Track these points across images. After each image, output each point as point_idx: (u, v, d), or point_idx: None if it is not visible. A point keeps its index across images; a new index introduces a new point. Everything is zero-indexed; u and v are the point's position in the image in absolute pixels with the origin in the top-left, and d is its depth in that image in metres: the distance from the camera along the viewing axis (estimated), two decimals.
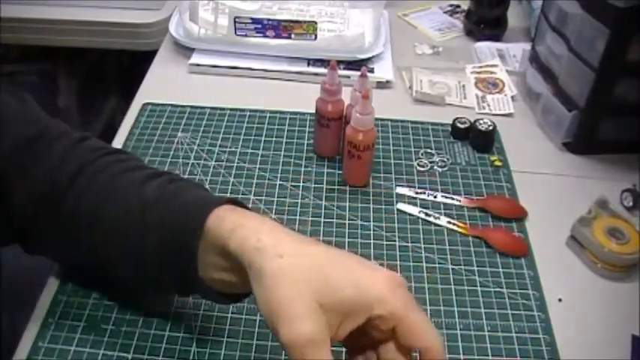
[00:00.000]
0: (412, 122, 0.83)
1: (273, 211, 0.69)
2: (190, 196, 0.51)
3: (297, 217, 0.68)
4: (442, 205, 0.71)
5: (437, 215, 0.69)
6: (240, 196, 0.70)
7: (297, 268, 0.42)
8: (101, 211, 0.52)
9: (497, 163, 0.76)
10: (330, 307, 0.41)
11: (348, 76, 0.87)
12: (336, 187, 0.72)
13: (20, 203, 0.53)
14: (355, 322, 0.42)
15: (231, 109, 0.83)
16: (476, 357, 0.56)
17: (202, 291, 0.50)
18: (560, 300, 0.61)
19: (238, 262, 0.44)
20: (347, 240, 0.66)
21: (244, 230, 0.44)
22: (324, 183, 0.73)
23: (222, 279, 0.48)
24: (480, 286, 0.62)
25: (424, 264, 0.64)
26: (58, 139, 0.55)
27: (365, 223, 0.68)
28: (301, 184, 0.72)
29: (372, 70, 0.90)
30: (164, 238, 0.49)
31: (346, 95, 0.72)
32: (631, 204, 0.71)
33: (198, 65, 0.91)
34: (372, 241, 0.66)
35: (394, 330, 0.42)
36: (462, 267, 0.64)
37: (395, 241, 0.66)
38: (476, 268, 0.64)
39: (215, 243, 0.46)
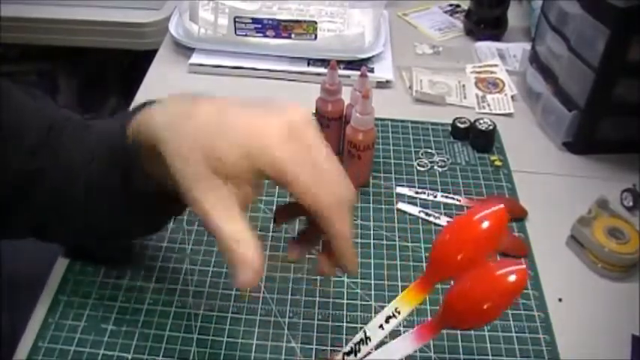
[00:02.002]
0: (412, 122, 0.83)
1: (274, 212, 0.68)
2: (116, 119, 0.53)
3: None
4: (442, 205, 0.71)
5: (437, 215, 0.69)
6: None
7: (185, 139, 0.41)
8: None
9: (497, 163, 0.76)
10: (223, 176, 0.40)
11: (348, 76, 0.87)
12: None
13: (43, 200, 0.54)
14: (247, 183, 0.41)
15: None
16: (476, 357, 0.56)
17: (174, 202, 0.47)
18: (560, 300, 0.61)
19: (150, 145, 0.44)
20: None
21: (143, 114, 0.45)
22: None
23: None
24: None
25: (424, 264, 0.64)
26: (67, 126, 0.56)
27: (365, 223, 0.68)
28: None
29: (372, 70, 0.90)
30: (102, 158, 0.50)
31: (346, 95, 0.72)
32: (631, 204, 0.71)
33: (198, 65, 0.91)
34: (372, 241, 0.66)
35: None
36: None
37: (395, 241, 0.66)
38: None
39: (143, 144, 0.45)
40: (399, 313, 0.41)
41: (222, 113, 0.42)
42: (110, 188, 0.51)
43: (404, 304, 0.41)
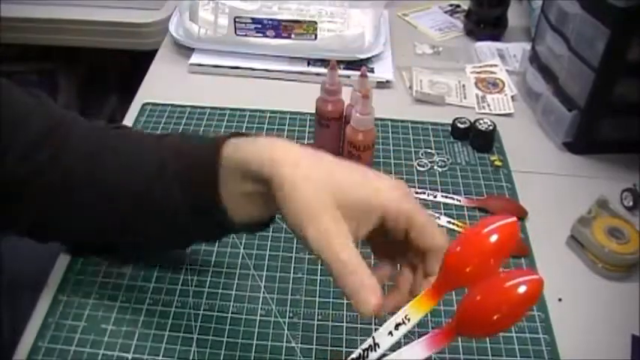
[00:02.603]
0: (412, 122, 0.83)
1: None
2: (199, 139, 0.55)
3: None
4: (442, 205, 0.71)
5: (437, 215, 0.69)
6: None
7: (312, 175, 0.45)
8: (121, 173, 0.53)
9: (497, 163, 0.76)
10: (346, 209, 0.44)
11: (348, 76, 0.87)
12: None
13: (40, 198, 0.54)
14: (370, 222, 0.45)
15: (231, 109, 0.83)
16: (476, 357, 0.56)
17: (229, 224, 0.51)
18: (560, 300, 0.61)
19: (259, 180, 0.46)
20: None
21: (259, 148, 0.47)
22: None
23: (245, 204, 0.49)
24: None
25: None
26: (75, 126, 0.57)
27: None
28: None
29: (372, 70, 0.90)
30: (186, 184, 0.51)
31: (346, 95, 0.72)
32: (631, 204, 0.71)
33: (198, 65, 0.91)
34: None
35: (407, 234, 0.45)
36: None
37: None
38: None
39: (235, 167, 0.48)
40: (408, 320, 0.41)
41: (342, 161, 0.48)
42: (174, 206, 0.52)
43: (414, 311, 0.41)
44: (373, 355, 0.42)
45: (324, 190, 0.44)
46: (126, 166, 0.54)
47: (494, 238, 0.39)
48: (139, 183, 0.53)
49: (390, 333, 0.41)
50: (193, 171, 0.51)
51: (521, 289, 0.36)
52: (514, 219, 0.39)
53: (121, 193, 0.53)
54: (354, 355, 0.42)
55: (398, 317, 0.41)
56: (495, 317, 0.37)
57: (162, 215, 0.53)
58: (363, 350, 0.42)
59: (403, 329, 0.41)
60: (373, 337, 0.42)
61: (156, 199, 0.52)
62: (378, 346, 0.42)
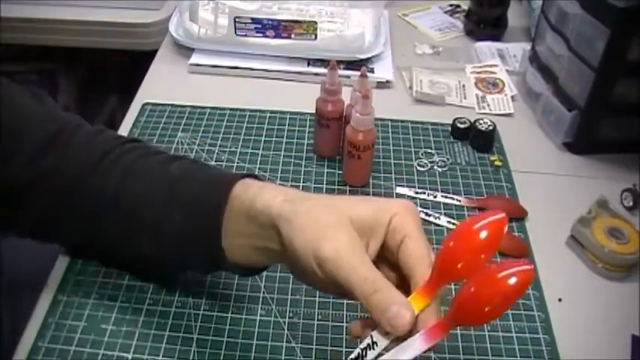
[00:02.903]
0: (412, 122, 0.83)
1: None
2: (215, 172, 0.55)
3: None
4: (442, 205, 0.71)
5: (437, 215, 0.69)
6: None
7: (324, 205, 0.45)
8: (126, 188, 0.53)
9: (498, 163, 0.76)
10: (357, 225, 0.43)
11: (348, 76, 0.87)
12: (336, 187, 0.72)
13: (42, 202, 0.55)
14: (379, 236, 0.44)
15: (231, 109, 0.83)
16: (476, 357, 0.56)
17: (224, 263, 0.51)
18: (560, 300, 0.61)
19: (263, 222, 0.46)
20: None
21: (269, 191, 0.47)
22: (324, 183, 0.73)
23: (244, 246, 0.49)
24: None
25: None
26: (77, 131, 0.57)
27: None
28: (301, 184, 0.72)
29: (372, 70, 0.90)
30: (189, 211, 0.51)
31: (346, 95, 0.72)
32: (631, 204, 0.71)
33: (198, 65, 0.91)
34: None
35: (397, 254, 0.43)
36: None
37: None
38: None
39: (241, 207, 0.48)
40: None
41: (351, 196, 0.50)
42: (173, 230, 0.52)
43: None
44: (372, 353, 0.42)
45: (336, 214, 0.44)
46: (131, 182, 0.54)
47: (484, 234, 0.40)
48: (143, 200, 0.53)
49: (387, 332, 0.41)
50: (200, 200, 0.51)
51: (512, 280, 0.38)
52: (503, 215, 0.41)
53: (121, 204, 0.53)
54: (353, 355, 0.42)
55: None
56: (488, 309, 0.39)
57: (161, 235, 0.53)
58: (362, 349, 0.42)
59: None
60: (371, 336, 0.42)
61: (159, 219, 0.52)
62: (376, 345, 0.42)
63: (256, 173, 0.57)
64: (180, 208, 0.52)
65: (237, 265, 0.50)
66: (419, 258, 0.42)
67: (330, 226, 0.43)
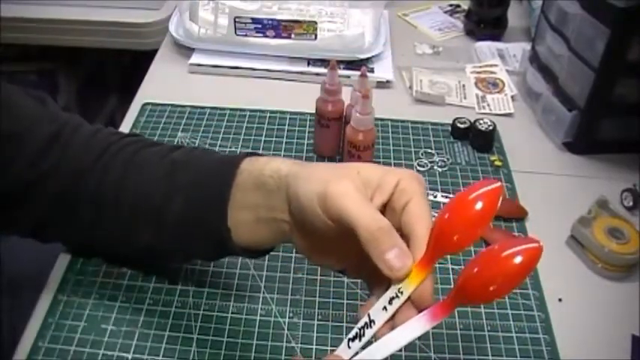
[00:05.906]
0: (412, 122, 0.83)
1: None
2: (219, 154, 0.55)
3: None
4: (442, 205, 0.70)
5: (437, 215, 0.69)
6: None
7: (334, 165, 0.46)
8: (127, 180, 0.54)
9: (498, 163, 0.76)
10: (364, 180, 0.44)
11: (348, 76, 0.87)
12: None
13: (43, 202, 0.55)
14: (385, 193, 0.44)
15: (231, 109, 0.83)
16: (476, 357, 0.56)
17: (229, 244, 0.50)
18: (560, 300, 0.61)
19: (271, 187, 0.47)
20: None
21: (278, 160, 0.49)
22: None
23: (250, 222, 0.49)
24: None
25: None
26: (77, 131, 0.57)
27: None
28: None
29: (372, 70, 0.90)
30: (194, 193, 0.51)
31: (346, 95, 0.72)
32: (631, 204, 0.71)
33: (198, 65, 0.91)
34: None
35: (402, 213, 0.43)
36: (462, 267, 0.63)
37: None
38: None
39: (249, 178, 0.49)
40: (401, 293, 0.41)
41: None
42: (177, 218, 0.52)
43: (406, 284, 0.41)
44: (369, 331, 0.42)
45: (344, 166, 0.46)
46: (131, 175, 0.54)
47: (479, 205, 0.40)
48: (143, 192, 0.53)
49: (385, 308, 0.41)
50: (208, 180, 0.51)
51: (517, 259, 0.37)
52: (498, 184, 0.40)
53: (122, 196, 0.54)
54: (350, 335, 0.42)
55: (391, 292, 0.41)
56: (492, 288, 0.38)
57: (163, 225, 0.53)
58: (360, 329, 0.42)
59: (397, 303, 0.41)
60: (369, 315, 0.42)
61: (159, 210, 0.52)
62: (374, 323, 0.42)
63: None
64: (182, 195, 0.52)
65: (243, 247, 0.50)
66: (419, 217, 0.43)
67: (337, 176, 0.44)
